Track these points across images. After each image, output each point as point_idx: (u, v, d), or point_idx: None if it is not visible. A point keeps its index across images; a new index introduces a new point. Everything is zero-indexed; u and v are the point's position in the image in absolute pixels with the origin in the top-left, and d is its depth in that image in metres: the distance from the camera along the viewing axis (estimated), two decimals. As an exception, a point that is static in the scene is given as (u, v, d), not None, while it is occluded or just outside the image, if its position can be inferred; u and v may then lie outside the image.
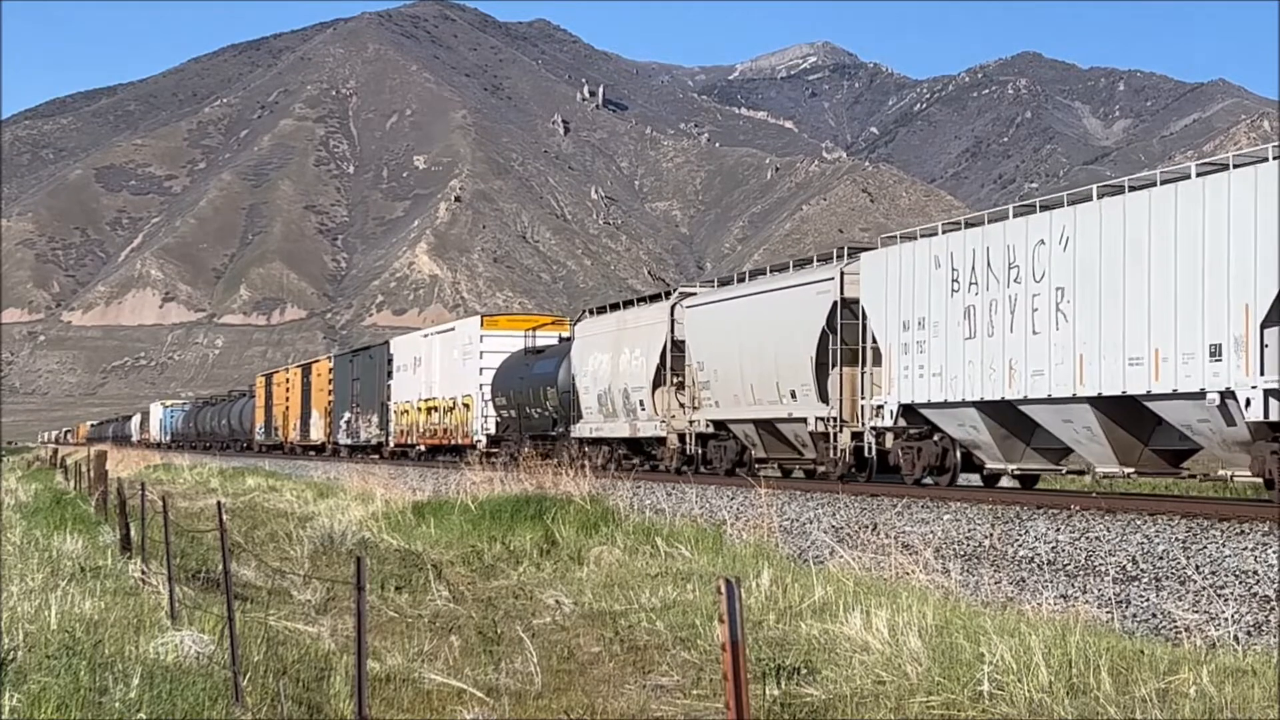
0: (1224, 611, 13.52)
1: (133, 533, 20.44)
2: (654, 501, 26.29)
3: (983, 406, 22.54)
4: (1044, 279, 21.16)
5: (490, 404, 46.38)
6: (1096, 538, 16.55)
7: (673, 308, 33.88)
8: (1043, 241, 21.23)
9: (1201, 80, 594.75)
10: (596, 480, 25.89)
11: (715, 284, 33.83)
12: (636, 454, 36.75)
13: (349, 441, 65.66)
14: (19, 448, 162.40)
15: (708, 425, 32.04)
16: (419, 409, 54.59)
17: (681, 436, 33.20)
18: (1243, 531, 15.28)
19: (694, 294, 34.33)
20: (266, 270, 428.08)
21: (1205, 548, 15.11)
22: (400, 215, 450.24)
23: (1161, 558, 15.33)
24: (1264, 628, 13.11)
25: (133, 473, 55.50)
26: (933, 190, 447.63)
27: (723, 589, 5.63)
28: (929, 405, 23.82)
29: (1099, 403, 20.19)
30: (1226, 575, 14.33)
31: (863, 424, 25.77)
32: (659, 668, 12.65)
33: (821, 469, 28.23)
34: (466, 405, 48.97)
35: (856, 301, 26.15)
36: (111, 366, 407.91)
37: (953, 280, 23.26)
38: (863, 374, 25.98)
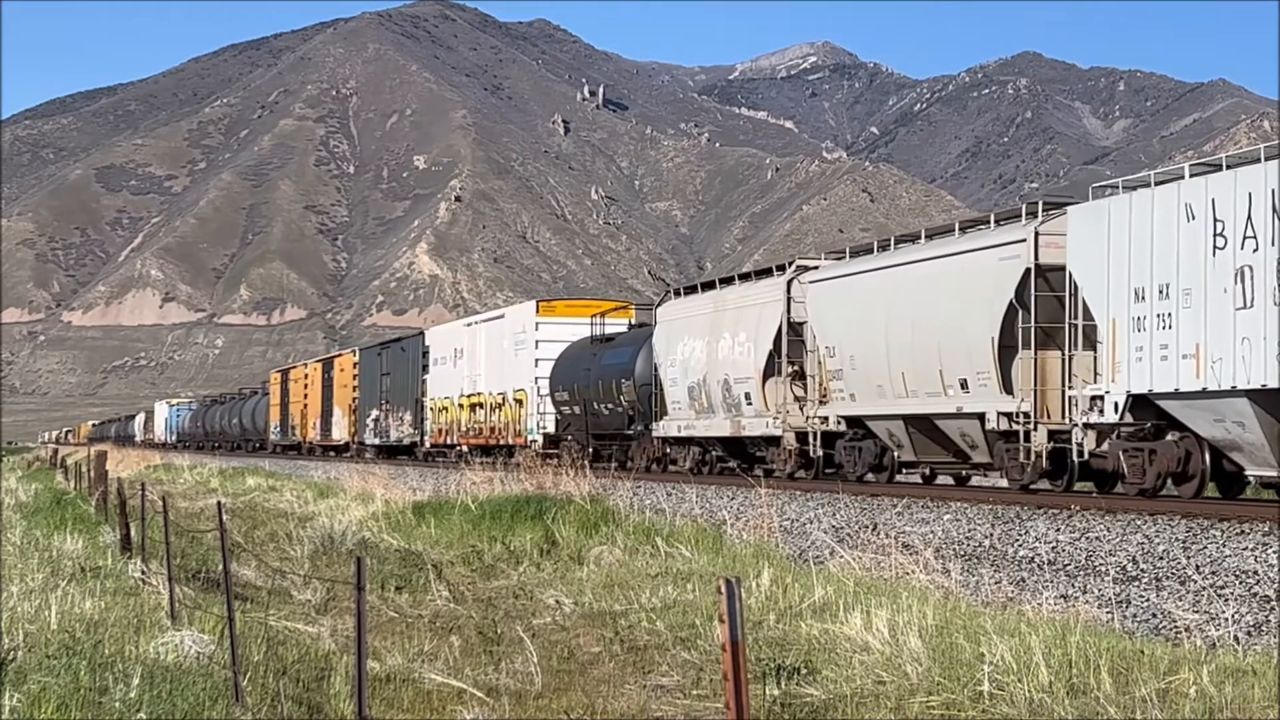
0: (1224, 611, 13.52)
1: (133, 533, 20.44)
2: (654, 501, 26.29)
3: (1258, 397, 17.74)
4: None
5: (547, 399, 41.49)
6: (1096, 538, 16.55)
7: (789, 283, 28.80)
8: None
9: (1201, 80, 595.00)
10: (597, 480, 25.89)
11: (846, 254, 28.21)
12: (737, 457, 32.03)
13: (377, 441, 60.97)
14: (19, 448, 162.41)
15: (838, 422, 26.99)
16: (461, 405, 49.76)
17: (801, 436, 28.29)
18: (1243, 531, 15.28)
19: (817, 266, 28.98)
20: (266, 270, 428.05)
21: (1205, 548, 15.11)
22: (400, 215, 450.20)
23: (1161, 558, 15.33)
24: (1264, 628, 13.11)
25: (133, 473, 55.51)
26: (933, 190, 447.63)
27: (723, 589, 5.63)
28: (1173, 396, 18.97)
29: None
30: (1227, 575, 14.33)
31: (1067, 420, 20.98)
32: (659, 668, 12.65)
33: (998, 475, 24.00)
34: (519, 401, 44.11)
35: (1058, 268, 21.33)
36: (111, 366, 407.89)
37: (1215, 234, 18.30)
38: (1067, 358, 21.16)
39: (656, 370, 34.17)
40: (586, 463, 35.63)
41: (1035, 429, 21.54)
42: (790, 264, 29.63)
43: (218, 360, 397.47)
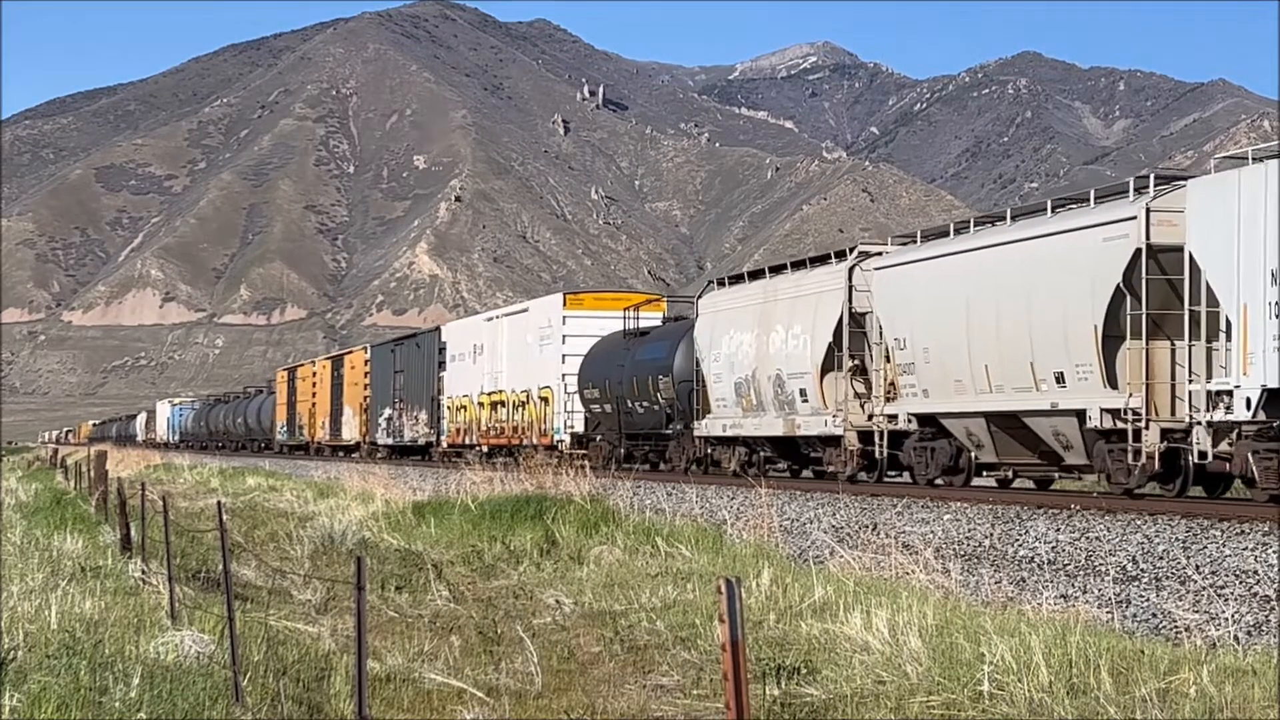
0: (1224, 611, 13.52)
1: (133, 532, 20.44)
2: (654, 501, 26.28)
3: None
4: None
5: (575, 397, 39.40)
6: (1096, 538, 16.56)
7: (851, 270, 26.58)
8: None
9: (1201, 80, 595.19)
10: (596, 480, 25.88)
11: (917, 238, 25.76)
12: (788, 458, 30.20)
13: (390, 441, 58.36)
14: (19, 448, 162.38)
15: (908, 420, 24.80)
16: (480, 404, 47.17)
17: (864, 435, 26.13)
18: (1243, 531, 15.28)
19: (880, 252, 26.62)
20: (266, 270, 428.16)
21: (1205, 548, 15.11)
22: (400, 215, 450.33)
23: (1161, 558, 15.33)
24: (1264, 628, 13.11)
25: (133, 473, 55.51)
26: (933, 190, 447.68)
27: (723, 589, 5.63)
28: None
29: None
30: (1226, 575, 14.33)
31: (1190, 417, 18.94)
32: (659, 668, 12.65)
33: (1097, 477, 22.16)
34: (544, 399, 41.65)
35: (1171, 249, 19.37)
36: (111, 366, 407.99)
37: None
38: (1186, 349, 19.23)
39: (699, 365, 32.11)
40: (617, 464, 34.22)
41: (1147, 428, 19.42)
42: (851, 250, 27.16)
43: (218, 360, 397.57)
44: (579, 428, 39.70)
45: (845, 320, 26.52)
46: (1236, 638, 12.88)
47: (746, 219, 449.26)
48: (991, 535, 18.05)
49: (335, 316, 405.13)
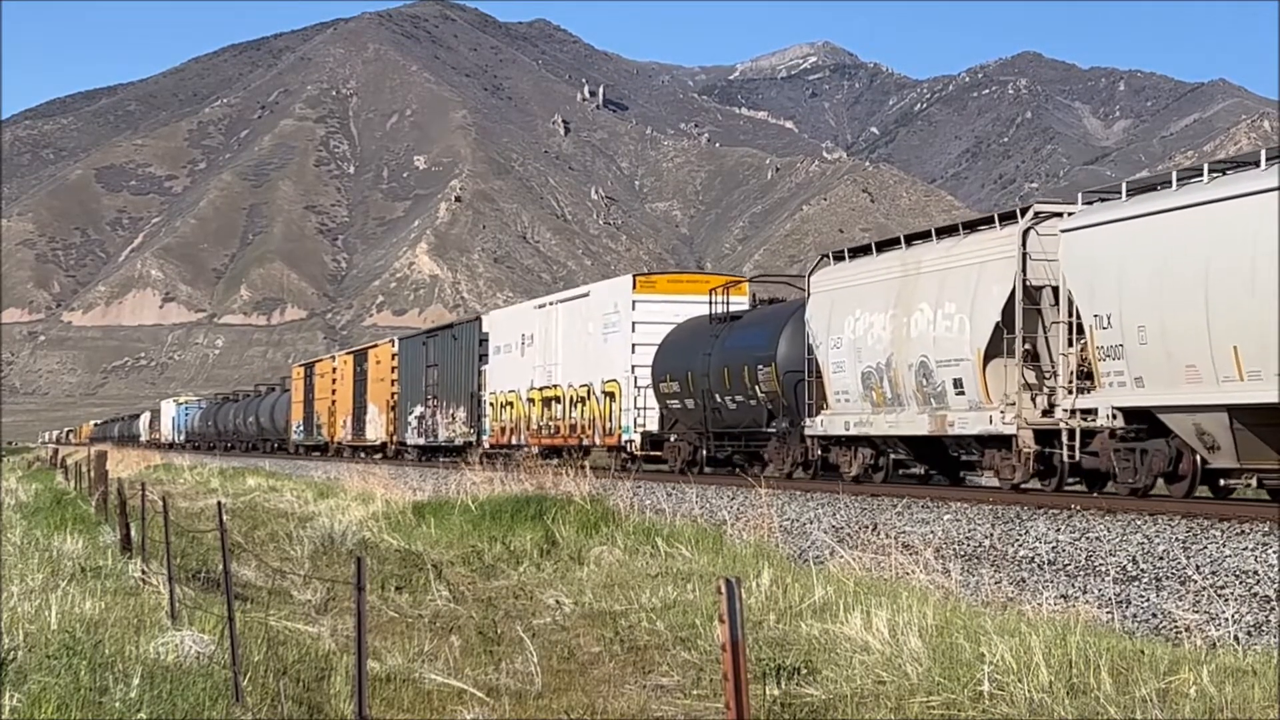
0: (1224, 611, 13.52)
1: (133, 533, 20.44)
2: (654, 501, 26.28)
3: None
4: None
5: (648, 392, 35.07)
6: (1096, 538, 16.56)
7: (1026, 233, 22.24)
8: None
9: (1201, 80, 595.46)
10: (596, 480, 25.87)
11: (1122, 193, 20.83)
12: (929, 461, 26.25)
13: (421, 441, 53.91)
14: (19, 448, 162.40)
15: (1111, 416, 20.40)
16: (530, 400, 42.79)
17: (1041, 434, 21.98)
18: (1243, 531, 15.28)
19: (1061, 213, 22.23)
20: (266, 270, 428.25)
21: (1205, 548, 15.11)
22: (400, 215, 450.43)
23: (1162, 558, 15.33)
24: (1264, 628, 13.11)
25: (133, 473, 55.51)
26: (933, 190, 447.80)
27: (723, 589, 5.63)
28: None
29: None
30: (1227, 575, 14.33)
31: None
32: (659, 668, 12.65)
33: None
34: (609, 394, 37.22)
35: None
36: (111, 366, 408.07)
37: None
38: None
39: (812, 353, 27.69)
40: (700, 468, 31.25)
41: None
42: (1023, 211, 22.75)
43: (218, 360, 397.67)
44: (651, 426, 35.54)
45: (1017, 295, 22.19)
46: (1236, 638, 12.89)
47: (747, 219, 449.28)
48: (991, 535, 18.05)
49: (335, 317, 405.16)
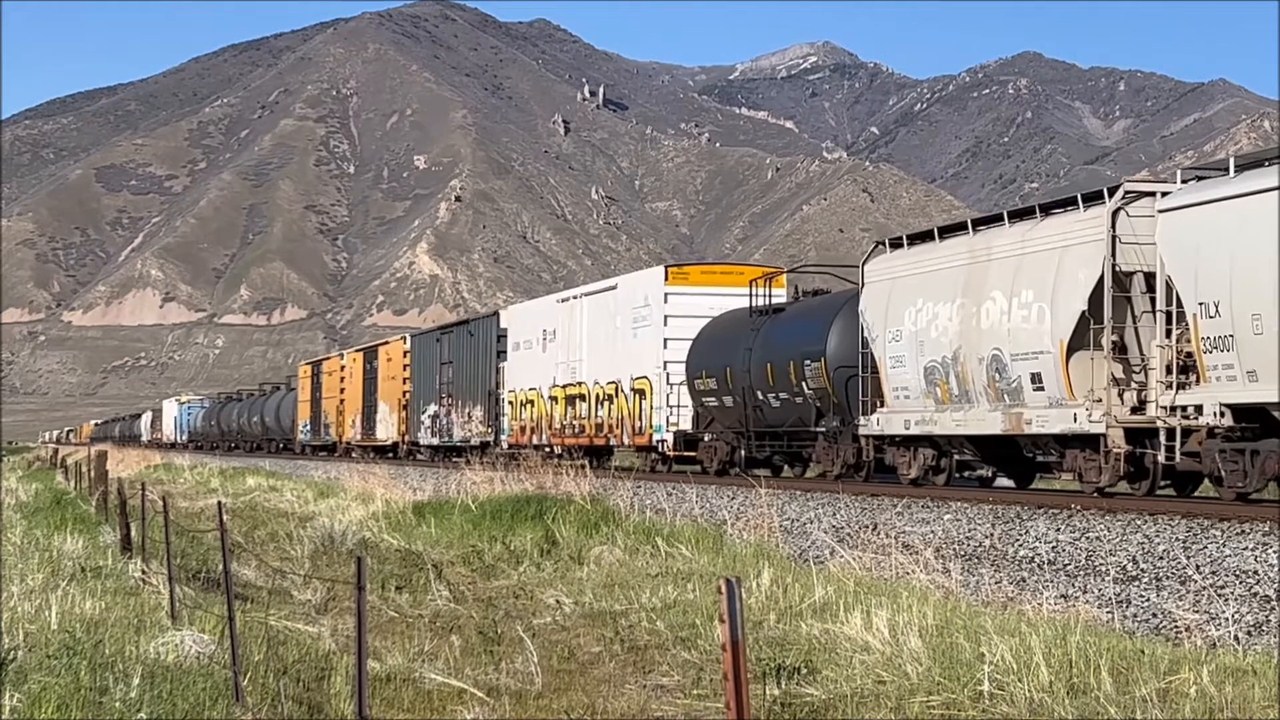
0: (1224, 611, 13.52)
1: (133, 533, 20.44)
2: (654, 501, 26.27)
3: None
4: None
5: (681, 389, 33.57)
6: (1096, 538, 16.56)
7: (1115, 215, 20.53)
8: None
9: (1201, 80, 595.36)
10: (596, 480, 25.86)
11: (1230, 167, 18.94)
12: (996, 461, 24.74)
13: (435, 441, 52.23)
14: (19, 448, 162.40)
15: (1218, 414, 18.54)
16: (553, 398, 41.07)
17: (1133, 433, 20.18)
18: (1243, 531, 15.28)
19: (1154, 193, 20.50)
20: (266, 270, 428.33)
21: (1205, 547, 15.11)
22: (400, 215, 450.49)
23: (1162, 557, 15.33)
24: (1264, 628, 13.11)
25: (133, 473, 55.51)
26: (933, 190, 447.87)
27: (723, 589, 5.63)
28: None
29: None
30: (1227, 575, 14.33)
31: None
32: (659, 668, 12.65)
33: None
34: (639, 391, 35.48)
35: None
36: (111, 366, 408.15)
37: None
38: None
39: (868, 346, 26.02)
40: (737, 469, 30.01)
41: None
42: (1111, 190, 20.95)
43: (218, 360, 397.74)
44: (685, 425, 33.93)
45: (1105, 282, 20.46)
46: (1236, 638, 12.89)
47: (747, 219, 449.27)
48: (991, 535, 18.05)
49: (335, 317, 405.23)
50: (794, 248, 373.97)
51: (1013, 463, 24.24)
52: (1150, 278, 20.21)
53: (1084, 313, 20.63)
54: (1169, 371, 19.29)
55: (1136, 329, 20.50)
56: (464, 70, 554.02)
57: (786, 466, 31.34)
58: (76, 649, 11.34)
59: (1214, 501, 19.02)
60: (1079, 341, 20.81)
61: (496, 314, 48.62)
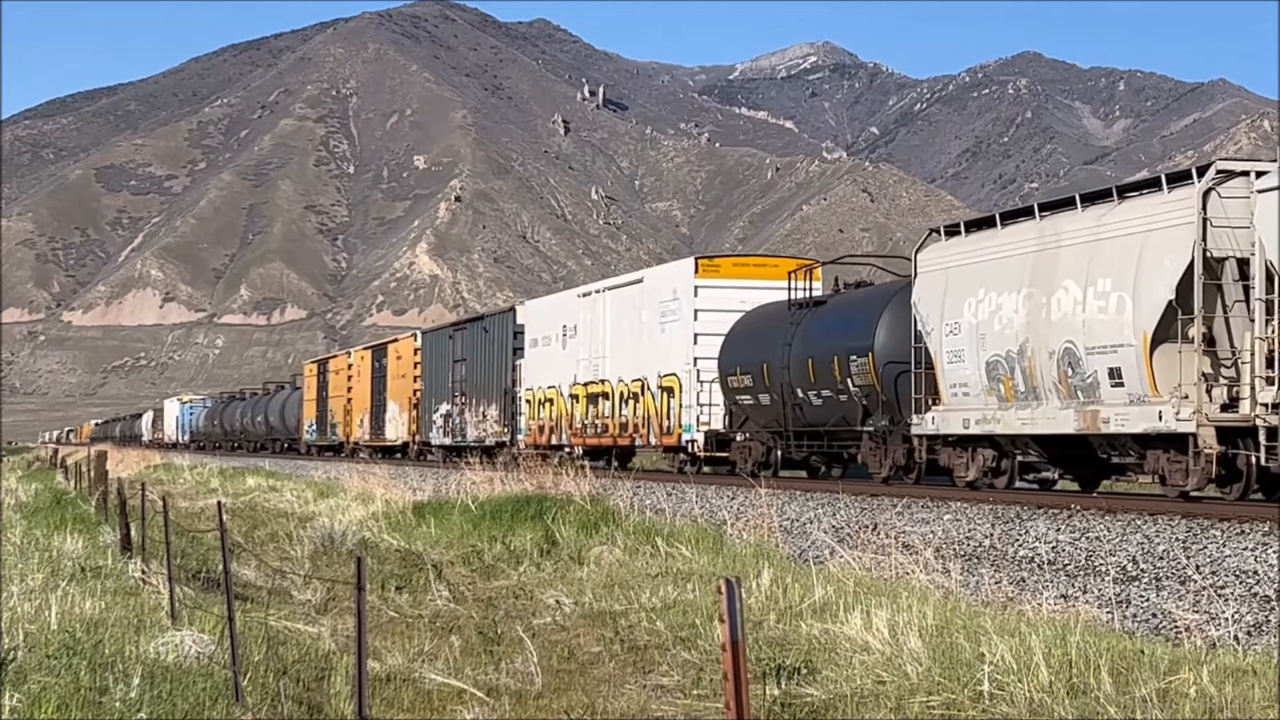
0: (1224, 611, 13.52)
1: (133, 533, 20.44)
2: (654, 501, 26.28)
3: None
4: None
5: (713, 386, 32.12)
6: (1096, 538, 16.56)
7: (1205, 196, 18.89)
8: None
9: (1201, 80, 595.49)
10: (596, 480, 25.86)
11: None
12: (1064, 464, 23.07)
13: (448, 441, 50.48)
14: (19, 448, 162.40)
15: None
16: (574, 397, 39.34)
17: (1227, 432, 18.50)
18: (1243, 531, 15.28)
19: (1249, 171, 18.94)
20: (266, 270, 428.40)
21: (1205, 548, 15.11)
22: (400, 215, 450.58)
23: (1161, 558, 15.33)
24: (1264, 628, 13.11)
25: (133, 473, 55.51)
26: (933, 190, 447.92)
27: (723, 589, 5.63)
28: None
29: None
30: (1227, 575, 14.33)
31: None
32: (659, 668, 12.65)
33: None
34: (667, 389, 33.96)
35: None
36: (111, 366, 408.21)
37: None
38: None
39: (921, 340, 24.38)
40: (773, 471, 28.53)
41: None
42: (1200, 170, 19.29)
43: (218, 360, 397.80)
44: (716, 424, 32.45)
45: (1196, 269, 18.82)
46: (1236, 638, 12.89)
47: (746, 219, 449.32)
48: (991, 535, 18.05)
49: (335, 317, 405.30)
50: (794, 248, 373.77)
51: (1083, 464, 22.59)
52: (1244, 264, 18.63)
53: (1170, 302, 19.08)
54: (1269, 365, 17.69)
55: (1227, 319, 18.89)
56: (464, 70, 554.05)
57: (824, 467, 30.11)
58: (76, 649, 11.34)
59: (1214, 501, 19.01)
60: (1164, 333, 19.28)
61: (513, 309, 46.83)
